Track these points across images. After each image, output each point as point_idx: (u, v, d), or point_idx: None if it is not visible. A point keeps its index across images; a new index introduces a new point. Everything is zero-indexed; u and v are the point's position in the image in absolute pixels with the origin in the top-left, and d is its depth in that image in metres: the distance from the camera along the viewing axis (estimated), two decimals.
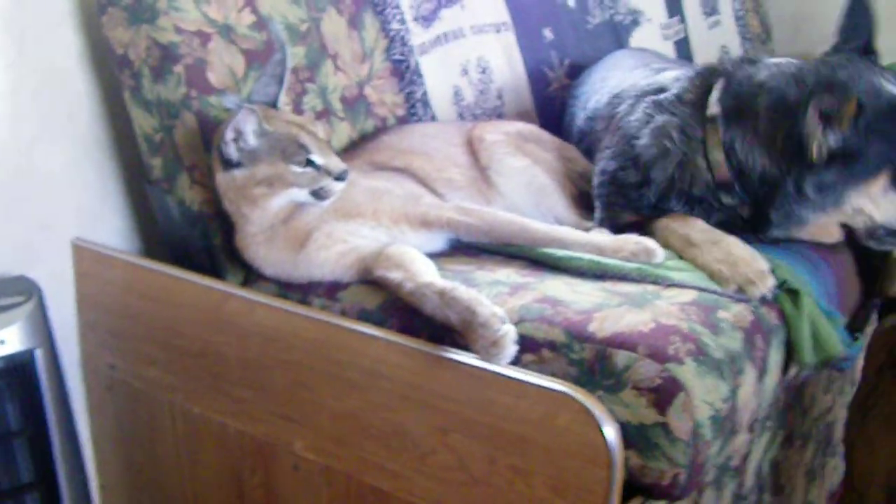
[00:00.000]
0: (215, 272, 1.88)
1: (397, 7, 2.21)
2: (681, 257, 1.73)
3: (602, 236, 1.71)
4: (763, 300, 1.61)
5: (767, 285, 1.61)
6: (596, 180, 1.97)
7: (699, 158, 1.81)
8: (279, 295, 1.77)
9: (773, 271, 1.64)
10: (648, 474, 1.38)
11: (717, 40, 3.50)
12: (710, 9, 3.49)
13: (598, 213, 1.95)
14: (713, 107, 1.80)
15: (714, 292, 1.59)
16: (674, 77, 1.97)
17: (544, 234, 1.71)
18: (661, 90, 1.94)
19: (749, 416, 1.54)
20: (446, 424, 1.48)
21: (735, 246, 1.68)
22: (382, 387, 1.55)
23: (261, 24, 1.94)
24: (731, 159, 1.76)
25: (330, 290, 1.71)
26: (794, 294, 1.64)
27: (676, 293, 1.56)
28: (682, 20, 3.31)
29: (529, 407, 1.39)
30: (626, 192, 1.88)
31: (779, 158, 1.72)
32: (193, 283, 1.81)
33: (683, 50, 3.29)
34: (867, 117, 1.64)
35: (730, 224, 1.79)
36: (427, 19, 2.28)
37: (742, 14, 3.66)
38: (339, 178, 1.67)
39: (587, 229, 1.88)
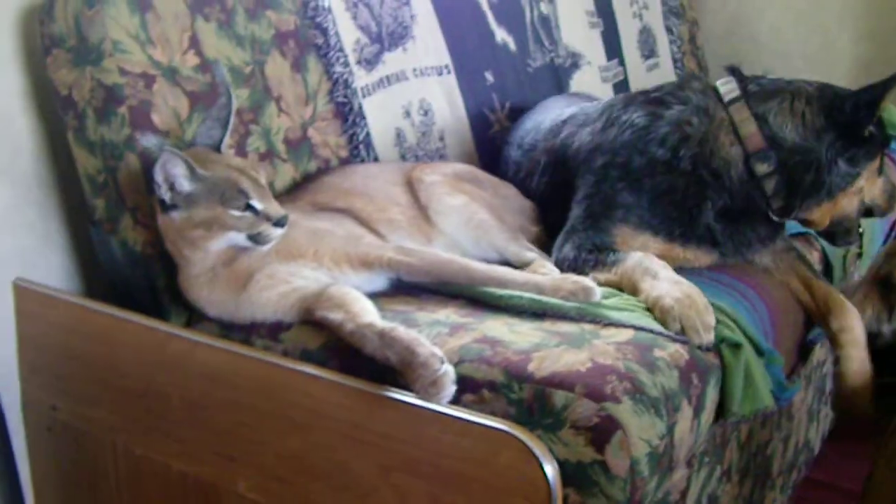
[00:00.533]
0: (159, 313, 1.89)
1: (341, 50, 2.24)
2: (623, 291, 1.79)
3: (541, 276, 1.75)
4: (703, 348, 1.65)
5: (708, 339, 1.65)
6: (583, 192, 2.04)
7: (722, 135, 1.94)
8: (222, 335, 1.78)
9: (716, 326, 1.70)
10: None
11: (655, 82, 3.55)
12: (649, 51, 3.57)
13: (577, 224, 2.01)
14: (733, 92, 1.98)
15: (651, 331, 1.62)
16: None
17: (484, 273, 1.74)
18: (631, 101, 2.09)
19: (686, 452, 1.57)
20: (389, 463, 1.50)
21: (694, 291, 1.73)
22: (325, 426, 1.56)
23: (205, 66, 1.96)
24: (763, 131, 1.93)
25: (272, 331, 1.73)
26: (733, 345, 1.68)
27: (614, 332, 1.60)
28: (622, 63, 3.37)
29: (471, 445, 1.41)
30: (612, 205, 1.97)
31: (815, 132, 1.92)
32: (136, 323, 1.81)
33: (623, 91, 3.34)
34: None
35: (733, 209, 1.95)
36: (370, 62, 2.32)
37: (680, 56, 3.74)
38: (279, 223, 1.69)
39: (530, 261, 1.93)
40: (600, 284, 1.77)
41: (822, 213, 2.00)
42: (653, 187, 1.94)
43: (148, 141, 1.72)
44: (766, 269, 2.06)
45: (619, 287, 1.84)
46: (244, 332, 1.77)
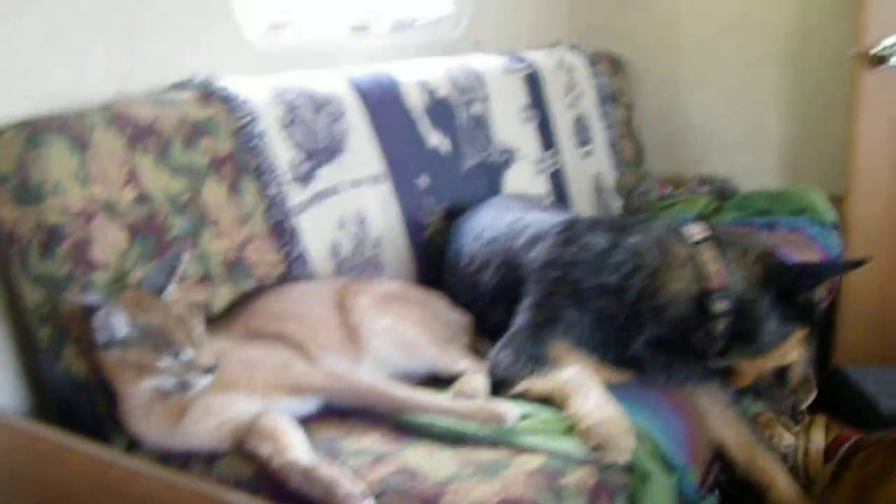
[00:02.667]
0: (101, 437, 1.96)
1: (276, 171, 2.33)
2: (554, 402, 1.92)
3: (459, 402, 1.85)
4: (614, 467, 1.75)
5: (621, 459, 1.75)
6: (531, 300, 2.15)
7: (673, 272, 2.06)
8: (161, 460, 1.85)
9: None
10: None
11: (590, 169, 3.71)
12: (584, 139, 3.70)
13: (522, 329, 2.12)
14: (703, 233, 2.12)
15: (561, 455, 1.72)
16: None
17: (406, 399, 1.85)
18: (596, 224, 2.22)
19: None
20: None
21: (618, 413, 1.84)
22: None
23: (143, 198, 2.05)
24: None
25: (207, 459, 1.81)
26: (643, 474, 1.79)
27: (526, 459, 1.70)
28: (557, 153, 3.49)
29: None
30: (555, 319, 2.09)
31: (759, 287, 2.05)
32: (79, 449, 1.88)
33: (558, 181, 3.48)
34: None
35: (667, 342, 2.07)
36: (305, 179, 2.42)
37: (615, 141, 3.86)
38: (208, 371, 1.78)
39: (461, 371, 2.03)
40: (533, 393, 1.91)
41: (747, 367, 2.13)
42: (597, 310, 2.06)
43: (90, 300, 1.80)
44: (702, 412, 2.13)
45: (551, 398, 1.93)
46: (181, 458, 1.85)
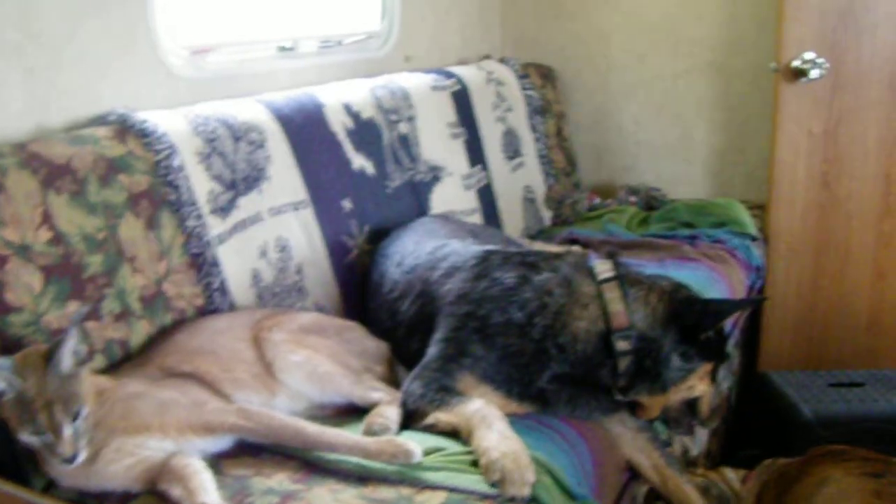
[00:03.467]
0: (21, 478, 1.98)
1: (194, 204, 2.36)
2: (460, 433, 1.97)
3: (367, 440, 1.90)
4: (511, 500, 1.81)
5: (523, 493, 1.81)
6: (442, 334, 2.19)
7: (578, 310, 2.11)
8: (76, 501, 1.88)
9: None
10: None
11: (520, 181, 3.76)
12: (514, 152, 3.75)
13: (433, 362, 2.16)
14: (608, 272, 2.16)
15: (463, 491, 1.78)
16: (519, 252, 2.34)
17: (316, 437, 1.89)
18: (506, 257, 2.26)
19: None
20: None
21: (520, 447, 1.89)
22: None
23: (58, 239, 2.07)
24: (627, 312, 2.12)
25: (121, 500, 1.84)
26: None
27: (428, 496, 1.76)
28: (485, 168, 3.53)
29: None
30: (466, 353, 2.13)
31: (662, 325, 2.10)
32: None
33: (487, 195, 3.52)
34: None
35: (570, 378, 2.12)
36: (224, 210, 2.45)
37: (546, 152, 3.91)
38: (66, 461, 1.77)
39: (375, 401, 2.08)
40: (441, 424, 1.97)
41: (653, 402, 2.18)
42: (504, 346, 2.11)
43: None
44: (614, 438, 2.22)
45: (457, 431, 1.99)
46: (97, 498, 1.88)
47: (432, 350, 2.16)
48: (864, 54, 3.60)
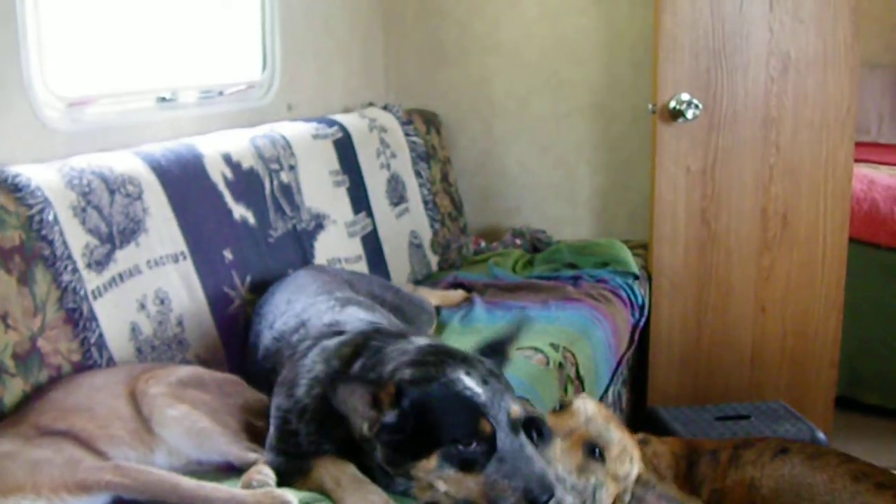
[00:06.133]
0: None
1: (69, 258, 2.32)
2: (327, 494, 1.92)
3: (244, 493, 1.88)
4: None
5: None
6: (271, 414, 2.15)
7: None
8: None
9: None
10: None
11: (406, 227, 3.78)
12: (398, 198, 3.77)
13: (269, 439, 2.11)
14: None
15: None
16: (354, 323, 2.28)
17: (193, 491, 1.86)
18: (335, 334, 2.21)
19: None
20: None
21: (375, 493, 1.88)
22: None
23: None
24: None
25: None
26: None
27: None
28: (369, 214, 3.55)
29: None
30: (289, 433, 2.07)
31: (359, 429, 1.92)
32: None
33: (372, 242, 3.53)
34: (408, 405, 1.85)
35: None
36: (101, 264, 2.41)
37: (430, 197, 3.94)
38: None
39: (251, 461, 2.06)
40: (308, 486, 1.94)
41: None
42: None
43: None
44: None
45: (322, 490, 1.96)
46: None
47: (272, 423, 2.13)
48: (738, 94, 3.72)
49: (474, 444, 1.82)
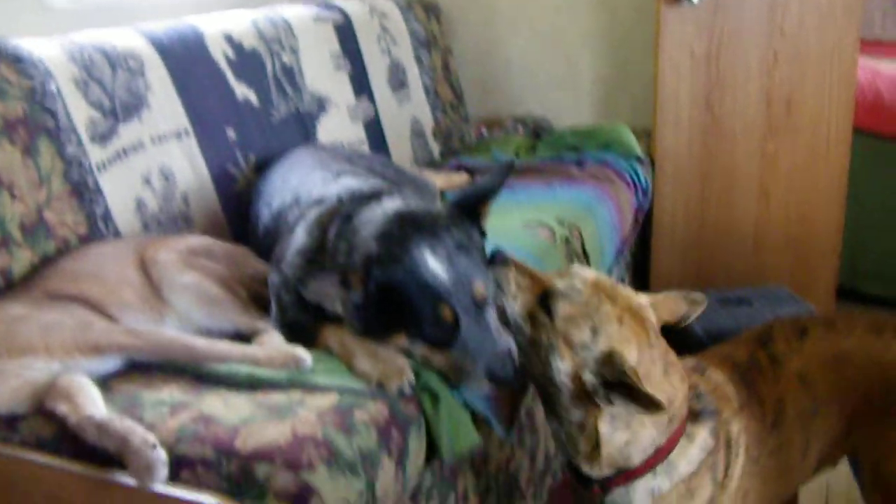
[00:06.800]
0: None
1: (73, 131, 2.31)
2: (337, 357, 1.93)
3: (258, 349, 1.89)
4: (401, 394, 1.82)
5: (404, 380, 1.83)
6: (269, 282, 2.15)
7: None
8: None
9: (415, 372, 1.88)
10: None
11: (407, 114, 3.76)
12: (399, 84, 3.74)
13: (273, 313, 2.13)
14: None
15: (354, 392, 1.79)
16: (335, 191, 2.25)
17: (205, 350, 1.87)
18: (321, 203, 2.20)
19: (394, 500, 1.75)
20: None
21: (379, 348, 1.90)
22: None
23: None
24: None
25: (9, 422, 1.80)
26: (432, 394, 1.87)
27: (320, 398, 1.76)
28: (371, 99, 3.52)
29: None
30: (284, 306, 2.10)
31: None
32: None
33: (374, 128, 3.51)
34: (373, 287, 1.89)
35: None
36: (105, 137, 2.40)
37: (432, 85, 3.91)
38: None
39: (260, 330, 2.06)
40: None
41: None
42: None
43: None
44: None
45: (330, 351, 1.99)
46: None
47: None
48: None
49: (438, 328, 1.87)
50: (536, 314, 1.77)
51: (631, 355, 1.72)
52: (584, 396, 1.75)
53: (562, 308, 1.74)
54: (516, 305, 1.80)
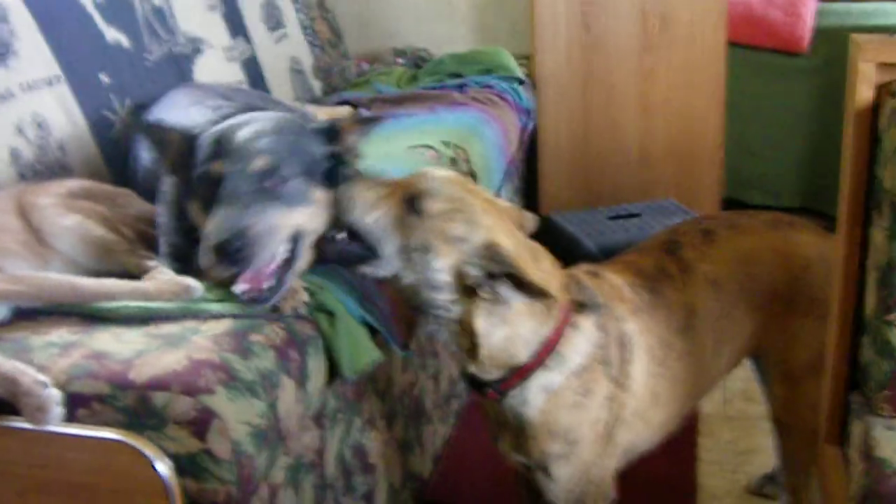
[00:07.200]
0: None
1: None
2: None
3: (147, 283, 1.85)
4: (296, 314, 1.81)
5: (298, 300, 1.81)
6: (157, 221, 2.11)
7: None
8: None
9: (309, 292, 1.86)
10: (205, 496, 1.55)
11: (286, 53, 3.71)
12: (275, 23, 3.68)
13: (162, 249, 2.09)
14: None
15: (248, 317, 1.77)
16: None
17: (93, 289, 1.83)
18: None
19: (297, 420, 1.74)
20: (23, 488, 1.62)
21: None
22: None
23: None
24: None
25: None
26: (328, 312, 1.85)
27: (214, 325, 1.74)
28: (247, 40, 3.46)
29: (90, 458, 1.55)
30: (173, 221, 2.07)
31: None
32: None
33: (253, 68, 3.46)
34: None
35: None
36: None
37: (309, 23, 3.86)
38: None
39: (150, 268, 2.02)
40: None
41: None
42: None
43: None
44: None
45: None
46: None
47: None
48: None
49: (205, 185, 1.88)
50: (404, 218, 1.74)
51: (506, 244, 1.73)
52: (465, 292, 1.74)
53: (432, 205, 1.73)
54: (380, 215, 1.76)
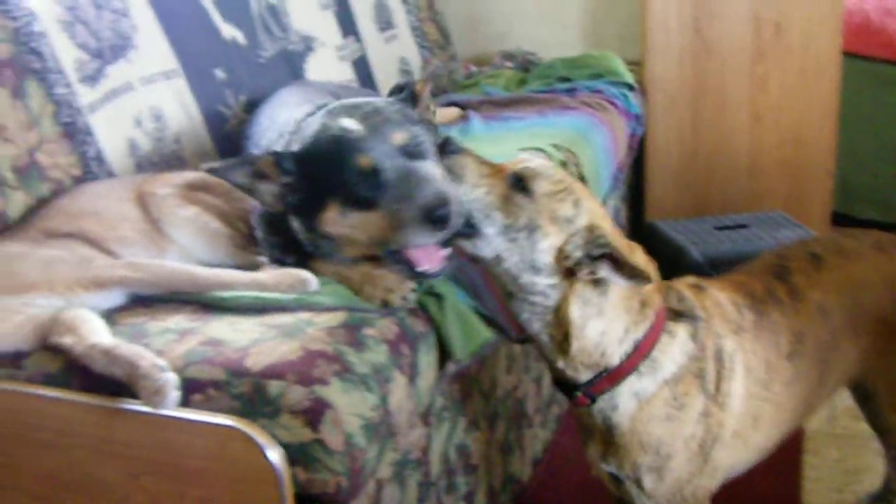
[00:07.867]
0: None
1: (60, 72, 2.27)
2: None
3: (263, 273, 1.87)
4: (405, 304, 1.82)
5: (405, 291, 1.81)
6: (254, 221, 2.14)
7: None
8: None
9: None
10: (315, 486, 1.55)
11: (395, 53, 3.72)
12: (385, 23, 3.70)
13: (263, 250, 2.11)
14: None
15: (361, 310, 1.77)
16: None
17: (210, 278, 1.86)
18: None
19: (408, 417, 1.74)
20: (136, 470, 1.63)
21: (374, 270, 1.88)
22: (73, 444, 1.67)
23: None
24: None
25: (14, 359, 1.79)
26: (437, 297, 1.85)
27: (328, 318, 1.74)
28: (358, 39, 3.49)
29: (203, 443, 1.56)
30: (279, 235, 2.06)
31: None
32: None
33: (363, 68, 3.48)
34: (290, 165, 1.87)
35: None
36: (93, 79, 2.37)
37: (418, 24, 3.87)
38: None
39: (260, 265, 2.04)
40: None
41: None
42: None
43: None
44: None
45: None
46: None
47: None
48: None
49: (361, 181, 1.80)
50: (512, 197, 1.72)
51: (607, 228, 1.73)
52: (564, 273, 1.72)
53: (542, 185, 1.72)
54: (483, 192, 1.73)
